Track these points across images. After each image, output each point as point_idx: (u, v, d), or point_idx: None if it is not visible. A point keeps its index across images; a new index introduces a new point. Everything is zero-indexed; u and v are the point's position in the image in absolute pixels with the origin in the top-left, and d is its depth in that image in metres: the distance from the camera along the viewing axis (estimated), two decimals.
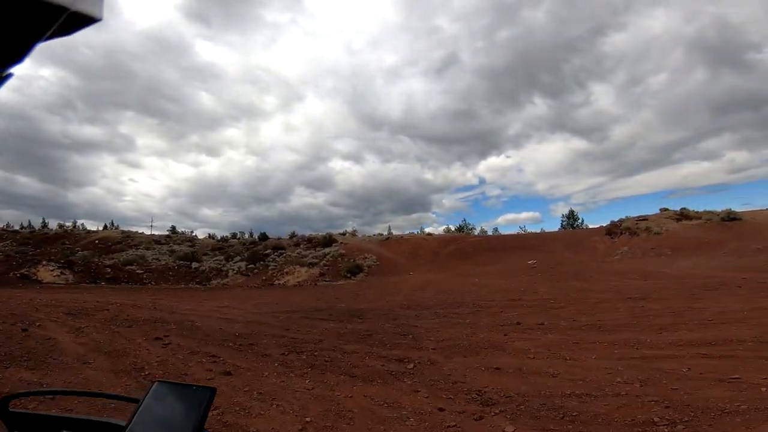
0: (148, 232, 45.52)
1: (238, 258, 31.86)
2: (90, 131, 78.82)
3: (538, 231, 36.58)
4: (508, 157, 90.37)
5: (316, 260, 27.14)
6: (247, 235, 46.05)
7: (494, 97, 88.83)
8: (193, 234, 46.91)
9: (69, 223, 46.52)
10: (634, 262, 19.61)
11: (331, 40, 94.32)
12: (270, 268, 27.40)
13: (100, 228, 47.44)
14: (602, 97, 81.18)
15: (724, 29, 65.25)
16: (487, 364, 4.77)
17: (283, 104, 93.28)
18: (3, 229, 42.32)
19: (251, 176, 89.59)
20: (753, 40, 64.64)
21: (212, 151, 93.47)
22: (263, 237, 41.96)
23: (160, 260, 31.71)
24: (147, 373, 4.24)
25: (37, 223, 46.12)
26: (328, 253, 28.41)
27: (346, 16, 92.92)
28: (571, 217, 38.04)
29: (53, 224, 45.92)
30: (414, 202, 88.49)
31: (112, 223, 50.06)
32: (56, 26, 0.33)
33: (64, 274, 23.47)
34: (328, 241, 34.40)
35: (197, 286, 25.27)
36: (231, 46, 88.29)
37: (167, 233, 45.78)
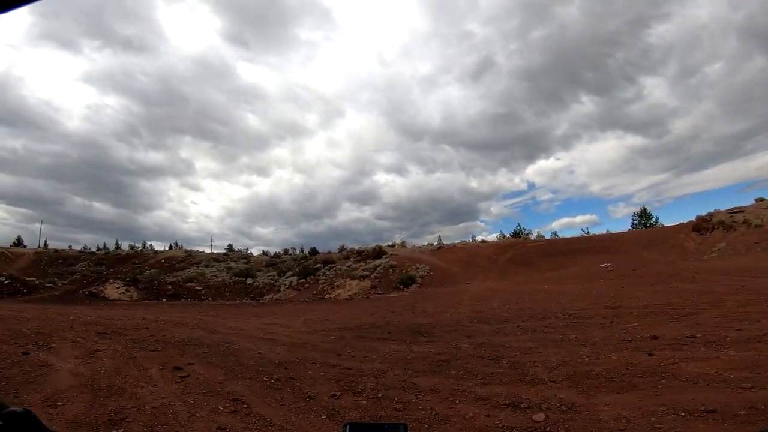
0: (208, 250, 46.73)
1: (289, 273, 31.15)
2: (154, 157, 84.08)
3: (604, 232, 32.83)
4: (557, 159, 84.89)
5: (367, 272, 25.65)
6: (298, 251, 45.80)
7: (536, 99, 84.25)
8: (249, 251, 47.46)
9: (139, 244, 49.01)
10: (739, 259, 16.17)
11: (364, 53, 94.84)
12: (321, 282, 26.25)
13: (166, 248, 49.31)
14: (655, 90, 74.20)
15: None
16: (679, 404, 2.82)
17: (324, 121, 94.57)
18: (80, 251, 45.27)
19: (299, 193, 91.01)
20: None
21: (262, 171, 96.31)
22: (313, 252, 41.30)
23: (218, 277, 31.93)
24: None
25: (111, 245, 48.89)
26: (379, 265, 26.82)
27: (376, 27, 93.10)
28: (644, 215, 33.80)
29: (125, 246, 48.45)
30: (461, 211, 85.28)
31: (176, 243, 51.97)
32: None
33: (129, 292, 23.69)
34: (378, 252, 32.97)
35: (251, 301, 24.60)
36: (270, 67, 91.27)
37: (225, 251, 46.67)
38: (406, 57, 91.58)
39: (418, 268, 24.82)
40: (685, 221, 26.12)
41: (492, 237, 34.75)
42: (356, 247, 36.99)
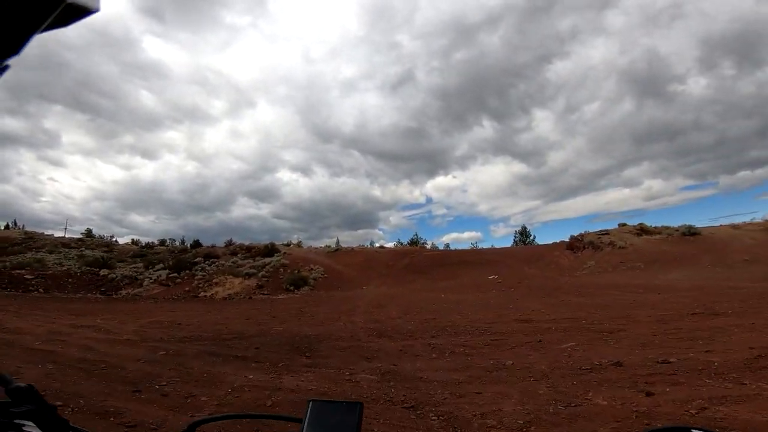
0: (60, 234, 37.38)
1: (160, 266, 25.90)
2: (9, 123, 66.19)
3: (490, 247, 34.42)
4: (454, 177, 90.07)
5: (254, 270, 22.28)
6: (177, 243, 39.39)
7: (445, 118, 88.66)
8: (113, 238, 39.28)
9: None
10: (609, 276, 17.32)
11: (290, 47, 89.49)
12: (197, 278, 22.04)
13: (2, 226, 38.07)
14: (543, 123, 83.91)
15: (653, 60, 70.01)
16: None
17: (231, 109, 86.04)
18: None
19: (190, 183, 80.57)
20: (678, 72, 69.62)
21: (148, 154, 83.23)
22: (196, 244, 35.79)
23: (62, 265, 25.06)
24: None
25: None
26: (269, 263, 23.65)
27: (309, 23, 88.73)
28: (524, 233, 36.38)
29: None
30: (361, 218, 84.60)
31: (15, 223, 40.59)
32: (53, 17, 0.31)
33: None
34: (270, 251, 29.56)
35: (99, 296, 19.41)
36: (182, 45, 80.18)
37: (81, 236, 37.85)
38: (332, 57, 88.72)
39: (312, 269, 22.36)
40: (558, 240, 28.44)
41: (389, 245, 33.91)
42: (247, 243, 32.93)
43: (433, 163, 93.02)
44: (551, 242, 29.62)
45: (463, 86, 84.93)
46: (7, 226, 39.58)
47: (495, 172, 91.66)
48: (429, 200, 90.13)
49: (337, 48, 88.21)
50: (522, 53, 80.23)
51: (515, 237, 35.12)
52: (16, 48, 0.32)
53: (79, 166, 75.26)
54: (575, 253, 22.80)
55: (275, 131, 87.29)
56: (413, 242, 32.51)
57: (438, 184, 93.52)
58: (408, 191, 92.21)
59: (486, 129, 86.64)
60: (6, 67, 0.37)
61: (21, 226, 39.77)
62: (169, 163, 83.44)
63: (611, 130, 76.84)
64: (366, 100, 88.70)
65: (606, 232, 23.22)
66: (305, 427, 0.60)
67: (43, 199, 65.24)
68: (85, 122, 72.18)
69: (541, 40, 78.20)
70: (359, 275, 23.23)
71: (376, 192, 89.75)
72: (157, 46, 76.62)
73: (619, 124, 75.97)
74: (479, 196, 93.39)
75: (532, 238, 35.41)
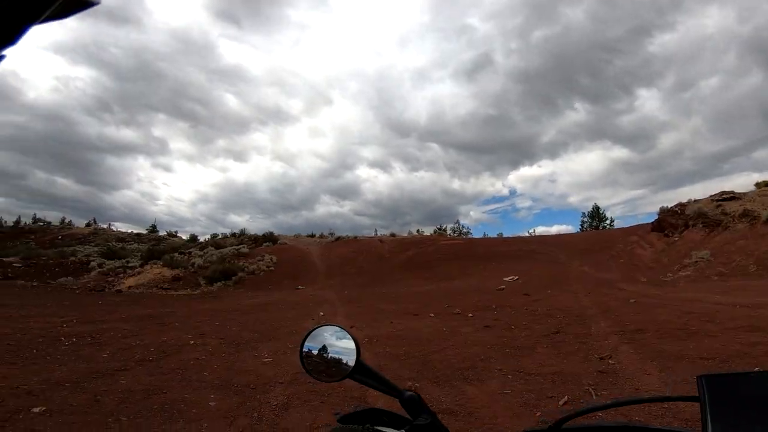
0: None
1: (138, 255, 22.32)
2: (125, 134, 72.62)
3: (544, 234, 25.22)
4: (540, 166, 77.51)
5: (198, 259, 17.30)
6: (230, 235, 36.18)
7: (529, 102, 76.17)
8: (176, 233, 37.41)
9: (52, 219, 38.43)
10: (748, 284, 8.43)
11: (357, 41, 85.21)
12: (132, 267, 17.74)
13: (134, 231, 38.46)
14: (648, 102, 67.03)
15: None
16: None
17: (308, 108, 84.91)
18: None
19: (278, 182, 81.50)
20: None
21: (239, 156, 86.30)
22: (268, 237, 31.83)
23: (75, 256, 22.99)
24: None
25: (79, 223, 38.03)
26: (223, 252, 18.50)
27: (373, 15, 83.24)
28: (597, 216, 26.21)
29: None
30: (441, 213, 76.98)
31: (154, 227, 40.24)
32: (53, 9, 0.31)
33: None
34: (270, 239, 24.70)
35: (35, 283, 16.02)
36: (256, 47, 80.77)
37: (145, 231, 36.99)
38: (400, 48, 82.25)
39: (261, 259, 16.60)
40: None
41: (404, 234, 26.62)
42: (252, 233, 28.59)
43: (517, 152, 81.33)
44: (634, 225, 19.71)
45: (548, 67, 71.21)
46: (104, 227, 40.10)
47: (590, 159, 76.72)
48: (513, 192, 78.79)
49: (404, 38, 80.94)
50: (613, 27, 64.26)
51: (583, 221, 25.28)
52: (12, 38, 0.31)
53: (185, 171, 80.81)
54: (667, 235, 13.46)
55: (351, 128, 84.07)
56: (439, 229, 24.88)
57: (522, 175, 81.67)
58: (489, 184, 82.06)
59: (579, 112, 72.10)
60: (1, 57, 0.36)
61: (92, 222, 40.34)
62: (258, 165, 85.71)
63: (736, 106, 57.90)
64: (440, 90, 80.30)
65: (732, 195, 13.37)
66: (707, 404, 0.41)
67: (159, 202, 70.33)
68: (187, 129, 76.64)
69: (634, 11, 61.77)
70: (327, 269, 16.84)
71: (456, 185, 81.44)
72: (233, 50, 78.02)
73: (745, 99, 56.77)
74: (571, 186, 79.17)
75: (609, 222, 25.20)
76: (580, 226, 26.12)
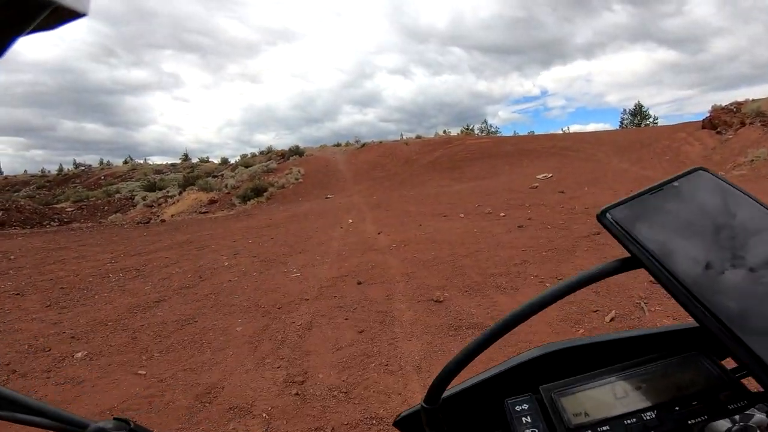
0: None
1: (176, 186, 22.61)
2: (137, 74, 69.61)
3: (579, 131, 23.25)
4: (575, 66, 68.87)
5: (231, 180, 17.27)
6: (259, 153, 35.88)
7: (560, 3, 64.48)
8: (207, 158, 37.16)
9: (91, 162, 39.03)
10: None
11: None
12: (172, 196, 18.05)
13: (168, 162, 38.94)
14: (699, 7, 54.77)
15: None
16: None
17: (317, 22, 76.49)
18: (32, 176, 37.06)
19: (298, 98, 78.48)
20: None
21: (255, 79, 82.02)
22: (296, 150, 31.37)
23: (121, 193, 23.72)
24: None
25: (116, 162, 38.78)
26: (254, 171, 18.30)
27: None
28: (639, 114, 23.51)
29: (105, 162, 38.50)
30: (467, 114, 72.75)
31: (186, 156, 40.09)
32: (39, 21, 0.25)
33: None
34: (297, 153, 24.18)
35: (88, 224, 16.96)
36: None
37: (180, 160, 37.19)
38: None
39: (290, 172, 16.33)
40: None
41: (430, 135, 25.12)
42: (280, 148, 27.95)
43: (548, 53, 72.22)
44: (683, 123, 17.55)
45: None
46: (123, 161, 40.52)
47: (631, 59, 66.97)
48: (544, 92, 72.17)
49: None
50: None
51: (622, 118, 22.84)
52: None
53: (204, 99, 78.62)
54: (720, 133, 11.83)
55: (364, 37, 75.98)
56: (466, 129, 23.31)
57: (555, 75, 73.83)
58: (518, 84, 75.24)
59: (618, 14, 60.39)
60: None
61: (128, 159, 40.55)
62: (274, 84, 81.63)
63: None
64: None
65: None
66: (649, 249, 0.27)
67: (185, 132, 70.15)
68: (196, 60, 72.30)
69: None
70: (354, 176, 16.46)
71: (482, 87, 75.41)
72: None
73: None
74: (609, 85, 71.29)
75: (652, 120, 22.65)
76: (619, 124, 23.68)
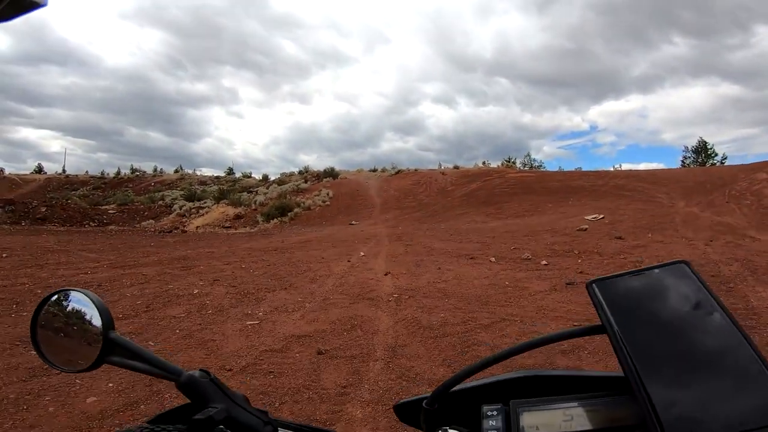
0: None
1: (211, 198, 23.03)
2: (199, 87, 76.91)
3: (635, 169, 21.11)
4: (628, 101, 66.00)
5: (261, 196, 17.07)
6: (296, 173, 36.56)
7: (615, 35, 63.02)
8: (250, 173, 38.46)
9: (146, 169, 41.42)
10: None
11: None
12: (205, 207, 18.13)
13: (198, 172, 41.07)
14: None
15: None
16: None
17: (366, 48, 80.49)
18: (91, 177, 38.93)
19: (342, 121, 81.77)
20: None
21: (304, 99, 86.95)
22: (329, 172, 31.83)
23: (164, 201, 24.74)
24: None
25: (170, 170, 41.41)
26: (285, 189, 18.04)
27: None
28: (702, 150, 21.05)
29: (149, 170, 40.98)
30: (510, 147, 71.42)
31: (231, 170, 42.47)
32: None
33: None
34: (330, 175, 24.03)
35: (123, 227, 17.32)
36: None
37: (224, 173, 38.68)
38: None
39: (318, 194, 15.79)
40: None
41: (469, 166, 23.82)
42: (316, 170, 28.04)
43: (600, 86, 69.88)
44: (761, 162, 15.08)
45: None
46: (174, 172, 42.55)
47: (692, 94, 63.21)
48: (594, 128, 69.24)
49: None
50: None
51: (684, 157, 20.50)
52: None
53: (256, 117, 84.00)
54: None
55: (411, 65, 78.42)
56: (507, 161, 21.93)
57: (606, 110, 70.89)
58: (567, 118, 72.93)
59: (678, 46, 57.80)
60: None
61: (179, 168, 42.66)
62: (321, 106, 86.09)
63: None
64: (507, 23, 69.27)
65: None
66: (613, 321, 0.36)
67: (236, 147, 75.01)
68: (253, 78, 78.30)
69: None
70: (383, 203, 15.58)
71: (527, 120, 74.07)
72: None
73: None
74: (666, 122, 67.16)
75: (719, 159, 20.14)
76: (681, 163, 21.24)
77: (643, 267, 0.38)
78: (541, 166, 23.73)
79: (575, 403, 0.38)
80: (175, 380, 0.40)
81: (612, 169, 21.35)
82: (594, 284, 0.39)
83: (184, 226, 14.42)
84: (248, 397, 0.43)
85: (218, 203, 16.56)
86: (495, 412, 0.41)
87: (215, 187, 28.20)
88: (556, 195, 15.18)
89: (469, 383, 0.45)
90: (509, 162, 21.02)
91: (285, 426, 0.44)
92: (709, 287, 0.34)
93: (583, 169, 23.02)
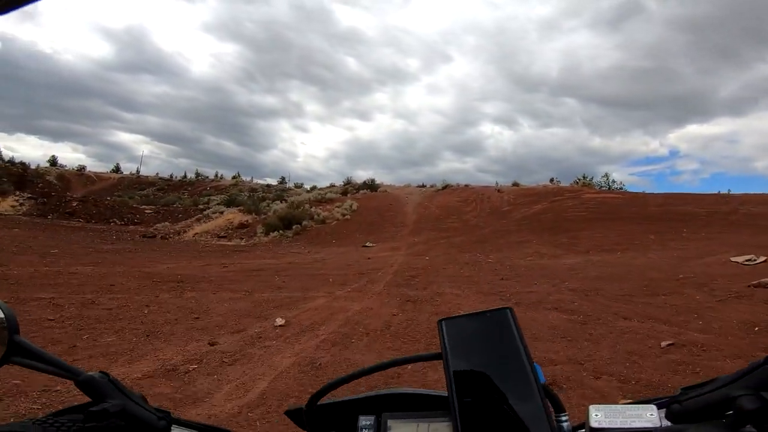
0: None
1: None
2: (269, 100, 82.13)
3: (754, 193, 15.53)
4: (716, 125, 56.58)
5: (275, 205, 14.82)
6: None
7: (699, 54, 54.85)
8: (301, 184, 37.90)
9: (212, 174, 42.92)
10: None
11: None
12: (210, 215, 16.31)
13: (255, 181, 41.92)
14: None
15: None
16: None
17: (425, 66, 79.91)
18: (159, 178, 40.14)
19: (400, 139, 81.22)
20: None
21: (364, 116, 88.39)
22: (369, 184, 30.35)
23: (209, 204, 24.47)
24: None
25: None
26: (303, 199, 15.65)
27: None
28: None
29: (212, 174, 42.58)
30: (575, 171, 64.53)
31: (283, 179, 43.11)
32: None
33: (23, 205, 16.93)
34: (371, 186, 21.66)
35: (130, 226, 16.32)
36: (366, 9, 77.27)
37: (274, 183, 38.56)
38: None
39: (339, 206, 13.07)
40: None
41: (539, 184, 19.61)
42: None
43: (682, 108, 61.13)
44: None
45: (723, 14, 48.31)
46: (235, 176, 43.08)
47: None
48: (674, 153, 60.20)
49: None
50: None
51: None
52: None
53: (318, 131, 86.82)
54: None
55: (471, 83, 75.82)
56: (582, 179, 17.55)
57: (689, 134, 61.51)
58: (642, 142, 64.54)
59: None
60: None
61: (236, 175, 43.42)
62: (380, 123, 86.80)
63: None
64: (574, 41, 63.86)
65: None
66: (448, 353, 0.46)
67: (299, 159, 77.81)
68: (317, 93, 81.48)
69: None
70: (415, 222, 12.38)
71: (597, 143, 66.84)
72: (347, 13, 76.31)
73: None
74: (759, 148, 56.37)
75: None
76: None
77: (480, 311, 0.45)
78: (622, 187, 18.89)
79: (430, 419, 0.45)
80: (75, 379, 0.41)
81: (728, 192, 15.99)
82: (443, 322, 0.46)
83: (184, 232, 12.49)
84: None
85: (228, 209, 14.56)
86: (369, 422, 0.47)
87: (261, 195, 27.11)
88: (657, 223, 10.88)
89: (349, 397, 0.52)
90: (586, 180, 16.65)
91: (182, 424, 0.46)
92: (521, 334, 0.42)
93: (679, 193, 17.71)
